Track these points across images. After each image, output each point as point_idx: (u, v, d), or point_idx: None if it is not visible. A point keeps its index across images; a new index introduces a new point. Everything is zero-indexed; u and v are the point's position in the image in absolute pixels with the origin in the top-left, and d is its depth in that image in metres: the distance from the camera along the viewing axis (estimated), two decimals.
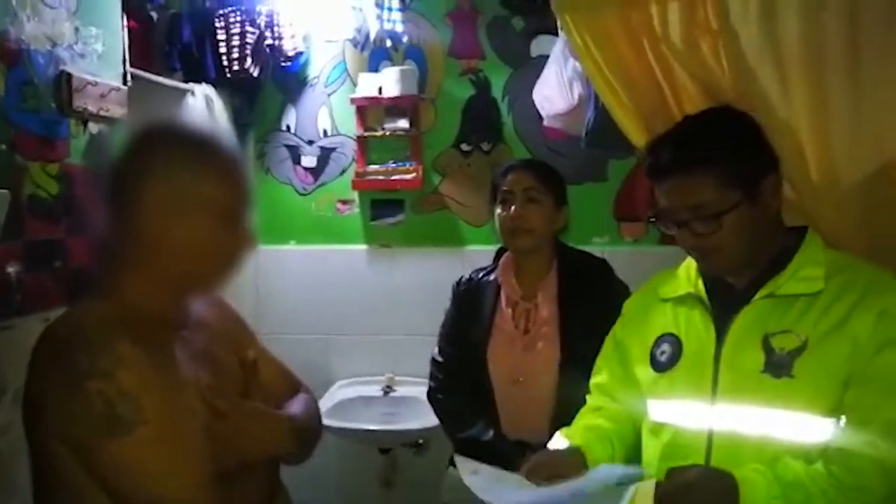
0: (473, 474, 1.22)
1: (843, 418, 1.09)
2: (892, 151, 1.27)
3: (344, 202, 2.83)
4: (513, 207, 1.73)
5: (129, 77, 1.97)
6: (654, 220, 1.25)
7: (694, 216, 1.16)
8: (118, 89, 1.89)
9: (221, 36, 2.51)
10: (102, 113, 1.81)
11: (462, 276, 1.93)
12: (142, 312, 0.99)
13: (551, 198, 1.75)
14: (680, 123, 1.26)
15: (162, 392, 0.94)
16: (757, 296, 1.19)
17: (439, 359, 1.88)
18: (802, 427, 1.11)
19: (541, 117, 2.44)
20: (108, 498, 0.93)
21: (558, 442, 1.37)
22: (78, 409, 0.89)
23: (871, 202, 1.30)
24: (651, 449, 1.29)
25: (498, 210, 1.77)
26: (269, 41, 2.57)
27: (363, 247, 2.83)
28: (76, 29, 1.78)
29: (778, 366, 1.13)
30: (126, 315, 0.98)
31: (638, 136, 1.47)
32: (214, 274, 1.06)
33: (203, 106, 2.36)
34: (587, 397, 1.45)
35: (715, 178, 1.14)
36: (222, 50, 2.51)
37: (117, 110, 1.85)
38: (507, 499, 1.14)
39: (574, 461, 1.27)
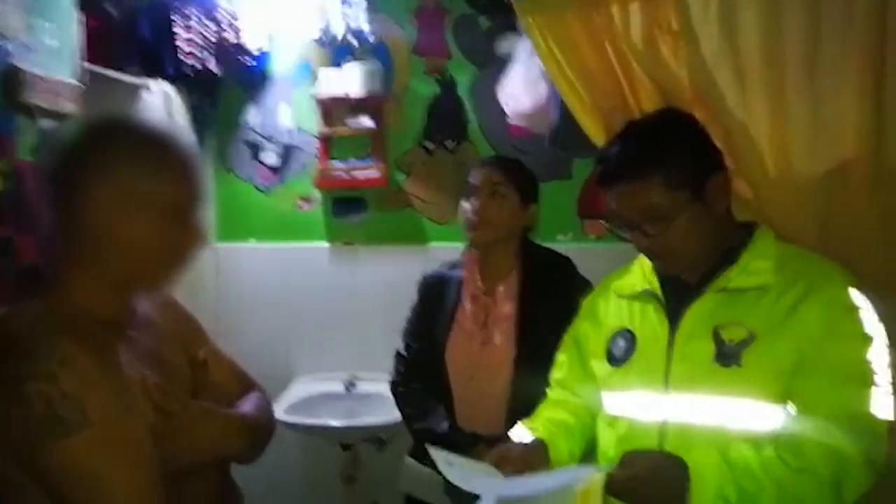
0: (449, 465, 1.23)
1: (792, 406, 1.12)
2: (848, 151, 1.31)
3: (306, 200, 2.81)
4: (476, 201, 1.74)
5: (82, 73, 1.92)
6: (608, 223, 1.27)
7: (644, 219, 1.18)
8: (71, 85, 1.84)
9: (180, 31, 2.46)
10: (54, 108, 1.76)
11: (428, 271, 1.93)
12: (87, 312, 0.97)
13: (517, 194, 1.76)
14: (625, 129, 1.28)
15: (107, 393, 0.92)
16: (708, 289, 1.21)
17: (403, 353, 1.89)
18: (752, 415, 1.13)
19: (506, 116, 2.45)
20: (51, 502, 0.91)
21: (522, 434, 1.38)
22: (18, 412, 0.87)
23: (826, 199, 1.33)
24: (606, 440, 1.31)
25: (464, 203, 1.78)
26: (230, 38, 2.53)
27: (325, 245, 2.81)
28: (27, 22, 1.73)
29: (727, 356, 1.16)
30: (70, 314, 0.96)
31: (599, 136, 1.49)
32: (161, 272, 1.04)
33: (161, 103, 2.31)
34: (548, 391, 1.47)
35: (662, 181, 1.16)
36: (181, 45, 2.46)
37: (69, 106, 1.80)
38: (483, 488, 1.14)
39: (540, 455, 1.29)
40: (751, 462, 1.07)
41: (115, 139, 0.99)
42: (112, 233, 0.96)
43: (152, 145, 1.00)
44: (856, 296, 1.15)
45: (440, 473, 1.24)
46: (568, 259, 1.83)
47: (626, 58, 1.42)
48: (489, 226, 1.74)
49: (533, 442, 1.32)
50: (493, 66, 2.61)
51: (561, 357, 1.46)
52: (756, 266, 1.19)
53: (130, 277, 1.01)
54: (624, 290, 1.35)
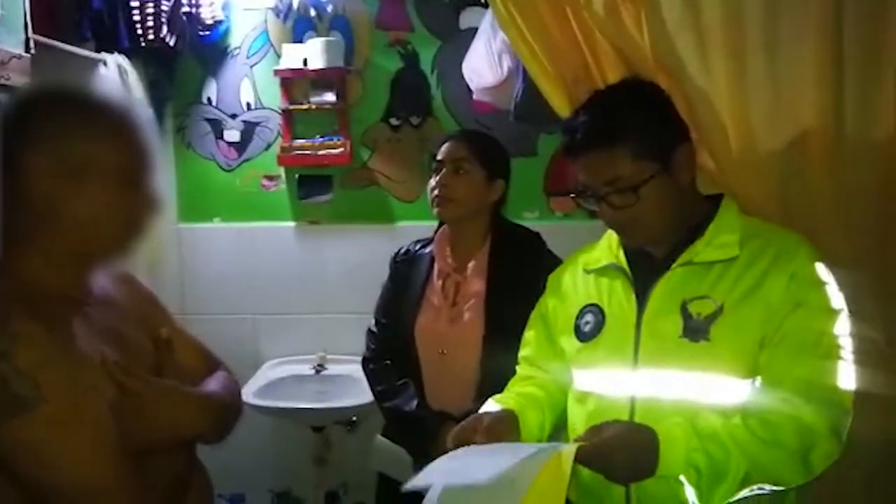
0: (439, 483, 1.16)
1: (759, 379, 1.13)
2: (807, 121, 1.32)
3: (270, 178, 2.75)
4: (440, 176, 1.73)
5: (32, 44, 1.85)
6: (575, 196, 1.26)
7: (611, 190, 1.17)
8: (20, 57, 1.77)
9: (135, 3, 2.38)
10: (3, 82, 1.70)
11: (400, 248, 1.92)
12: (40, 288, 0.94)
13: (482, 169, 1.74)
14: (590, 99, 1.27)
15: (62, 369, 0.90)
16: (675, 264, 1.21)
17: (374, 329, 1.88)
18: (721, 389, 1.14)
19: (470, 91, 2.43)
20: (7, 482, 0.88)
21: (491, 407, 1.37)
22: None
23: (786, 170, 1.34)
24: (576, 417, 1.30)
25: (431, 180, 1.77)
26: (185, 9, 2.46)
27: (291, 224, 2.77)
28: None
29: (695, 331, 1.16)
30: (23, 291, 0.93)
31: (562, 106, 1.48)
32: (116, 243, 1.00)
33: (116, 77, 2.24)
34: (517, 368, 1.46)
35: (629, 152, 1.15)
36: (136, 18, 2.37)
37: (19, 79, 1.73)
38: (437, 474, 1.11)
39: (510, 424, 1.27)
40: (719, 430, 1.08)
41: (53, 107, 0.95)
42: (58, 204, 0.93)
43: (93, 111, 0.97)
44: (822, 270, 1.16)
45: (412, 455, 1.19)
46: (538, 235, 1.83)
47: (589, 26, 1.41)
48: (454, 202, 1.73)
49: (502, 411, 1.31)
50: (456, 39, 2.59)
51: (528, 334, 1.45)
52: (722, 239, 1.19)
53: (83, 250, 0.98)
54: (591, 265, 1.34)
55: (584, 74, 1.45)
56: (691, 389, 1.15)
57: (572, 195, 1.28)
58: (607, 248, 1.32)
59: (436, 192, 1.74)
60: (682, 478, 1.07)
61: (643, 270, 1.25)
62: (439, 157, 1.76)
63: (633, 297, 1.24)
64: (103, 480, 0.90)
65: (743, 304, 1.15)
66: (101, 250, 1.00)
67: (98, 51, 2.29)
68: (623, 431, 1.10)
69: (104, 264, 1.05)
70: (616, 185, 1.17)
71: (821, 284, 1.15)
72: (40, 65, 1.84)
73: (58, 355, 0.89)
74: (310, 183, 2.73)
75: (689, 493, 1.07)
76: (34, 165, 0.92)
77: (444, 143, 1.80)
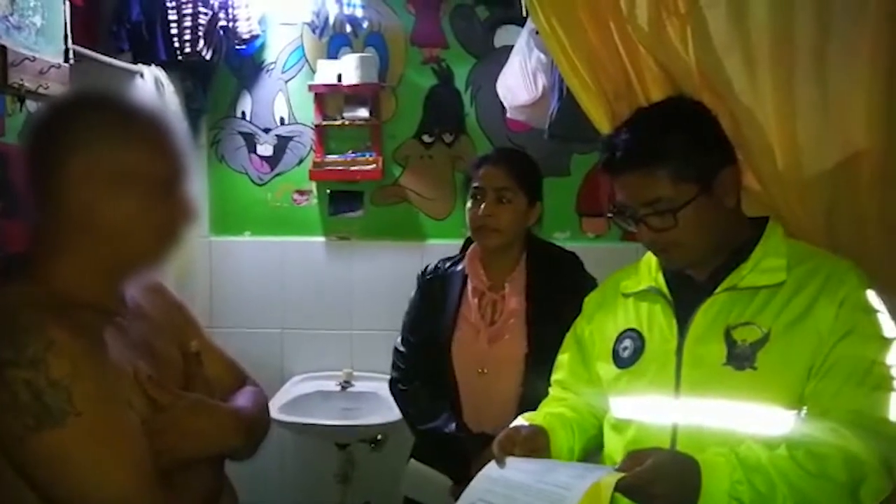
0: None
1: (805, 408, 1.08)
2: (857, 143, 1.28)
3: (301, 192, 2.76)
4: (482, 206, 1.70)
5: (71, 54, 1.87)
6: (612, 215, 1.23)
7: (650, 212, 1.14)
8: (58, 66, 1.79)
9: (173, 16, 2.41)
10: (41, 90, 1.72)
11: (428, 266, 1.89)
12: (72, 297, 0.93)
13: (524, 196, 1.72)
14: (633, 116, 1.24)
15: (96, 381, 0.88)
16: (719, 288, 1.17)
17: (402, 349, 1.85)
18: (766, 419, 1.10)
19: (504, 109, 2.42)
20: (33, 494, 0.86)
21: (522, 423, 1.33)
22: (2, 400, 0.83)
23: (834, 192, 1.30)
24: (614, 445, 1.26)
25: (468, 204, 1.74)
26: (222, 23, 2.48)
27: (321, 239, 2.76)
28: (12, 0, 1.67)
29: (741, 358, 1.12)
30: (56, 300, 0.91)
31: (602, 121, 1.46)
32: (150, 252, 0.99)
33: (153, 89, 2.27)
34: (550, 390, 1.43)
35: (670, 173, 1.12)
36: (173, 31, 2.41)
37: (58, 88, 1.75)
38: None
39: (542, 440, 1.24)
40: (763, 461, 1.04)
41: (91, 114, 0.94)
42: (96, 211, 0.92)
43: (131, 118, 0.96)
44: (873, 297, 1.12)
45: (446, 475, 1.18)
46: (574, 255, 1.80)
47: (632, 41, 1.39)
48: (499, 231, 1.70)
49: (535, 426, 1.28)
50: (491, 57, 2.59)
51: (562, 357, 1.42)
52: (768, 264, 1.15)
53: (118, 258, 0.97)
54: (629, 289, 1.30)
55: (626, 90, 1.43)
56: (736, 419, 1.11)
57: (609, 214, 1.25)
58: (646, 271, 1.29)
59: (478, 222, 1.71)
60: None
61: (684, 295, 1.21)
62: (478, 183, 1.72)
63: (674, 322, 1.20)
64: (133, 496, 0.88)
65: (791, 332, 1.11)
66: (136, 259, 0.99)
67: (135, 62, 2.33)
68: (665, 460, 1.06)
69: (139, 273, 1.03)
70: (655, 207, 1.14)
71: (872, 311, 1.10)
72: (78, 75, 1.86)
73: (90, 365, 0.88)
74: (341, 199, 2.74)
75: None
76: (71, 172, 0.91)
77: (478, 166, 1.76)
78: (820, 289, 1.11)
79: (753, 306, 1.14)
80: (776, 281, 1.14)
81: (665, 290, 1.23)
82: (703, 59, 1.31)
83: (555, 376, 1.43)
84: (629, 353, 1.25)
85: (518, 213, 1.72)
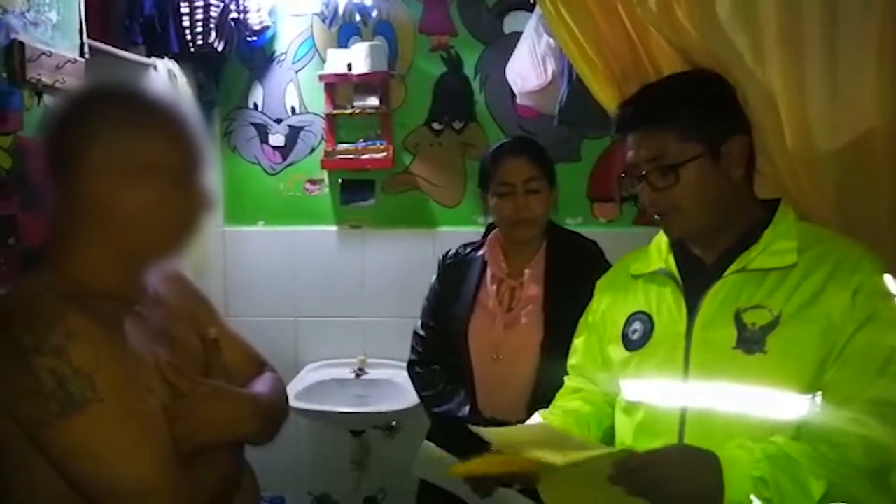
0: None
1: (821, 396, 1.07)
2: (868, 121, 1.27)
3: (313, 182, 2.78)
4: (516, 200, 1.70)
5: (86, 49, 1.89)
6: (620, 178, 1.23)
7: (653, 167, 1.15)
8: (74, 61, 1.81)
9: (184, 9, 2.43)
10: (58, 85, 1.73)
11: (449, 251, 1.91)
12: (93, 287, 0.95)
13: (548, 183, 1.74)
14: (651, 83, 1.26)
15: (118, 369, 0.90)
16: (728, 270, 1.17)
17: (421, 332, 1.87)
18: (775, 403, 1.09)
19: (513, 95, 2.42)
20: (61, 479, 0.89)
21: (536, 422, 1.35)
22: (27, 387, 0.85)
23: (845, 174, 1.29)
24: (624, 428, 1.27)
25: (495, 201, 1.73)
26: (233, 15, 2.49)
27: (333, 228, 2.78)
28: None
29: (750, 342, 1.11)
30: (77, 290, 0.93)
31: (612, 103, 1.45)
32: (168, 241, 1.00)
33: (166, 81, 2.28)
34: (565, 378, 1.44)
35: (676, 132, 1.13)
36: (185, 23, 2.43)
37: (74, 82, 1.77)
38: None
39: None
40: (786, 450, 1.03)
41: (109, 105, 0.96)
42: (114, 201, 0.93)
43: (148, 109, 0.97)
44: (889, 281, 1.10)
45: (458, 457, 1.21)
46: (594, 242, 1.81)
47: (640, 21, 1.39)
48: (534, 221, 1.72)
49: (540, 425, 1.29)
50: (500, 44, 2.58)
51: (577, 341, 1.43)
52: (779, 246, 1.14)
53: (137, 248, 0.98)
54: (639, 270, 1.30)
55: (635, 70, 1.43)
56: (745, 403, 1.11)
57: (620, 175, 1.24)
58: (657, 253, 1.28)
59: (516, 217, 1.70)
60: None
61: (694, 277, 1.21)
62: (506, 179, 1.71)
63: (684, 304, 1.20)
64: (156, 481, 0.89)
65: (801, 316, 1.09)
66: (155, 248, 1.00)
67: (149, 56, 2.34)
68: (679, 448, 1.06)
69: (157, 262, 1.05)
70: (657, 163, 1.14)
71: (889, 297, 1.09)
72: (94, 69, 1.88)
73: (112, 354, 0.89)
74: (352, 188, 2.75)
75: None
76: (89, 164, 0.92)
77: (497, 159, 1.75)
78: (831, 273, 1.10)
79: (763, 289, 1.13)
80: (787, 263, 1.12)
81: (675, 272, 1.23)
82: (711, 40, 1.30)
83: (570, 361, 1.43)
84: (638, 335, 1.25)
85: (548, 201, 1.74)
